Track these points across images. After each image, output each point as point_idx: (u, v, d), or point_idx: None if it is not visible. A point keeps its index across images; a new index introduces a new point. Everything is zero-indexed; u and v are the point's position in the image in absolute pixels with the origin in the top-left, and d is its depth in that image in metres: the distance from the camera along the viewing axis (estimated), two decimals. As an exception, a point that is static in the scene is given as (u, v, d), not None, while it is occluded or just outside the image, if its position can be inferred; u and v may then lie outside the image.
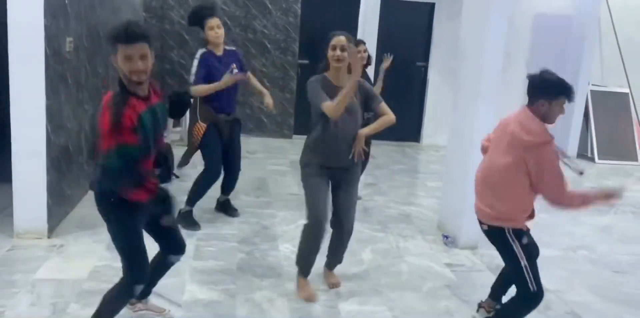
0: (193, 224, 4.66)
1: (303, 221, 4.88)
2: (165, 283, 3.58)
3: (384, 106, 3.64)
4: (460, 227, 4.63)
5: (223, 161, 4.78)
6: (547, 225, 5.42)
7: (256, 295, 3.58)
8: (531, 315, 3.56)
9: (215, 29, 4.53)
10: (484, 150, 3.38)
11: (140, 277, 2.86)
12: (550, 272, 4.29)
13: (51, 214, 4.23)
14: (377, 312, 3.50)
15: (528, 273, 3.06)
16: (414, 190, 6.54)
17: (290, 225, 4.87)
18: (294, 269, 3.98)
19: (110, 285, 3.50)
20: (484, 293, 3.73)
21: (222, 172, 4.82)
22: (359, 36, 8.47)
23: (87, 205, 4.95)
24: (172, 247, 3.08)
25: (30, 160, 4.07)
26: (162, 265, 3.14)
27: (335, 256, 3.86)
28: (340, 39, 3.42)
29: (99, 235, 4.32)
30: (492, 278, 4.03)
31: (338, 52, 3.42)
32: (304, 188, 3.61)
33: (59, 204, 4.44)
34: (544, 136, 2.98)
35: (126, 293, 2.89)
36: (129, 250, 2.83)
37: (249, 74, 4.89)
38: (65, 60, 4.46)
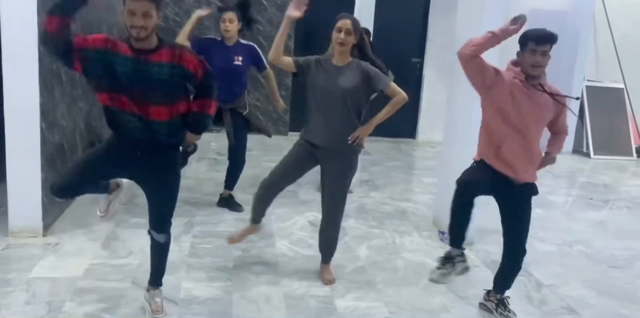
0: (236, 206, 5.07)
1: (299, 217, 4.95)
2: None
3: (392, 87, 3.61)
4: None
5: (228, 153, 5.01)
6: (542, 220, 5.44)
7: (252, 292, 3.58)
8: (526, 310, 3.59)
9: (226, 22, 4.73)
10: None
11: (56, 183, 3.00)
12: (545, 267, 4.31)
13: (46, 212, 4.22)
14: (373, 308, 3.50)
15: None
16: (409, 187, 6.54)
17: (286, 222, 4.86)
18: (290, 266, 4.00)
19: (106, 283, 3.53)
20: (479, 289, 3.74)
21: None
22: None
23: (83, 203, 4.94)
24: (150, 220, 3.14)
25: (25, 159, 4.05)
26: (151, 244, 3.23)
27: (322, 247, 3.85)
28: (345, 22, 3.46)
29: (94, 233, 4.32)
30: (488, 274, 4.05)
31: (342, 35, 3.43)
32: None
33: (54, 202, 4.41)
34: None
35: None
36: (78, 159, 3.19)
37: (269, 70, 4.99)
38: (59, 57, 4.44)
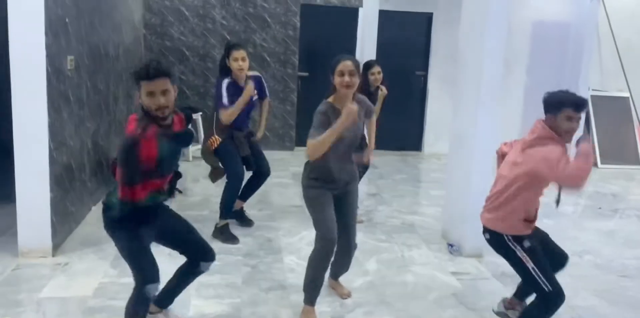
0: (232, 238, 4.75)
1: (306, 233, 4.95)
2: (170, 299, 3.60)
3: (373, 119, 4.28)
4: (465, 235, 4.63)
5: (253, 166, 5.03)
6: (551, 230, 5.37)
7: (262, 309, 3.58)
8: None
9: (239, 61, 4.63)
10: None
11: (147, 275, 2.88)
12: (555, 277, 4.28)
13: (55, 232, 4.24)
14: (383, 323, 3.49)
15: (538, 275, 3.08)
16: (417, 199, 6.54)
17: (294, 237, 4.87)
18: (299, 282, 3.98)
19: (115, 302, 3.54)
20: (490, 301, 3.73)
21: (244, 175, 4.95)
22: (358, 47, 8.55)
23: (92, 222, 4.97)
24: (201, 254, 3.14)
25: (34, 179, 4.08)
26: (190, 273, 3.22)
27: (342, 267, 3.81)
28: (347, 63, 3.26)
29: (103, 251, 4.33)
30: (498, 286, 4.05)
31: (347, 78, 3.25)
32: (309, 209, 3.48)
33: (63, 222, 4.45)
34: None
35: (141, 297, 2.87)
36: (132, 252, 2.90)
37: (267, 101, 5.11)
38: (66, 78, 4.50)
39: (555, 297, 3.09)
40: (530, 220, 3.20)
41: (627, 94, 9.15)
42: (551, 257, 3.31)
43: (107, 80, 5.82)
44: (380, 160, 8.24)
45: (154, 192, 2.84)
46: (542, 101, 3.19)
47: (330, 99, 3.36)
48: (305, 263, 4.30)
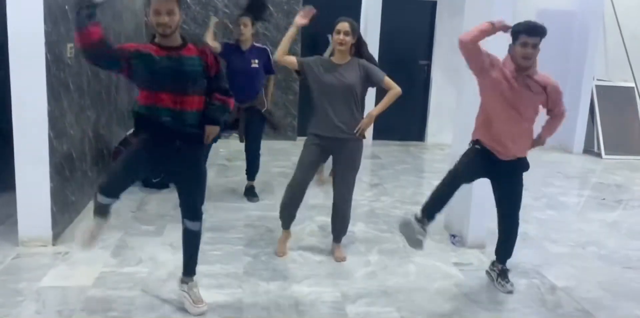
0: (252, 196, 5.53)
1: (308, 222, 4.93)
2: (170, 289, 3.58)
3: (388, 81, 4.08)
4: (468, 226, 4.60)
5: (245, 146, 5.53)
6: (555, 222, 5.39)
7: (263, 299, 3.56)
8: (541, 313, 3.55)
9: (240, 26, 5.21)
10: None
11: (104, 185, 3.29)
12: (559, 269, 4.26)
13: (55, 221, 4.22)
14: (385, 313, 3.47)
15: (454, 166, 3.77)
16: (419, 190, 6.49)
17: (295, 227, 4.82)
18: (301, 272, 3.98)
19: (116, 291, 3.52)
20: (492, 293, 3.71)
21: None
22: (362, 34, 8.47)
23: (92, 212, 4.95)
24: (186, 211, 3.33)
25: (34, 168, 4.05)
26: (183, 233, 3.40)
27: (337, 227, 4.25)
28: (344, 24, 3.94)
29: (104, 241, 4.30)
30: (500, 277, 4.02)
31: (341, 35, 3.93)
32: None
33: (63, 211, 4.42)
34: None
35: (94, 196, 3.35)
36: (116, 162, 3.38)
37: (272, 77, 5.59)
38: (66, 66, 4.45)
39: (448, 174, 3.74)
40: (491, 132, 3.60)
41: (632, 84, 9.08)
42: (500, 208, 3.77)
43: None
44: (383, 151, 8.21)
45: (153, 103, 3.07)
46: None
47: (332, 57, 4.06)
48: (306, 253, 4.32)
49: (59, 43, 4.27)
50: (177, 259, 4.02)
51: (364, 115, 4.08)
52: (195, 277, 3.46)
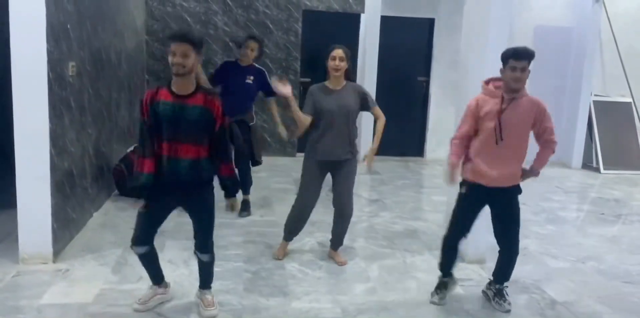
0: (243, 211, 5.59)
1: (308, 239, 4.93)
2: (171, 306, 3.59)
3: (377, 109, 4.32)
4: (467, 241, 4.58)
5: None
6: (554, 236, 5.39)
7: (262, 315, 3.56)
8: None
9: (248, 49, 5.51)
10: None
11: (133, 237, 3.44)
12: (559, 283, 4.26)
13: (56, 238, 4.23)
14: (385, 329, 3.47)
15: (451, 217, 3.85)
16: (419, 205, 6.51)
17: (295, 244, 4.83)
18: (300, 288, 3.97)
19: (116, 309, 3.52)
20: (492, 309, 3.70)
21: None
22: (360, 53, 8.56)
23: (92, 229, 4.97)
24: (197, 243, 3.52)
25: (35, 185, 4.07)
26: (197, 260, 3.61)
27: (337, 237, 4.49)
28: (338, 51, 4.13)
29: (104, 258, 4.32)
30: (500, 292, 4.02)
31: (337, 62, 4.13)
32: (301, 176, 4.37)
33: (64, 228, 4.43)
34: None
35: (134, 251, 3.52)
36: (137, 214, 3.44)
37: (273, 100, 5.68)
38: (68, 84, 4.49)
39: (446, 237, 3.89)
40: (476, 168, 3.63)
41: (629, 99, 9.13)
42: (498, 235, 3.80)
43: (109, 87, 5.82)
44: (382, 166, 8.23)
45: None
46: None
47: (326, 82, 4.26)
48: (306, 270, 4.32)
49: (61, 61, 4.32)
50: (176, 276, 4.04)
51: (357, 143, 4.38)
52: (211, 290, 3.66)
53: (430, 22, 8.95)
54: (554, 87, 8.99)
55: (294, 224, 4.48)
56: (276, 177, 7.17)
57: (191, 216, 3.46)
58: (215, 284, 3.93)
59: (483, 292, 3.97)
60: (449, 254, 3.89)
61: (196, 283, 3.68)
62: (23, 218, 4.10)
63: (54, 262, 4.18)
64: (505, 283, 3.86)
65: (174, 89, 3.22)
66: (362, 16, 8.59)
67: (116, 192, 5.93)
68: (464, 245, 4.61)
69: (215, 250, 4.57)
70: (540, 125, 3.60)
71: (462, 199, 3.77)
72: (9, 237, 4.47)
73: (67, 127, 4.51)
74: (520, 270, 4.29)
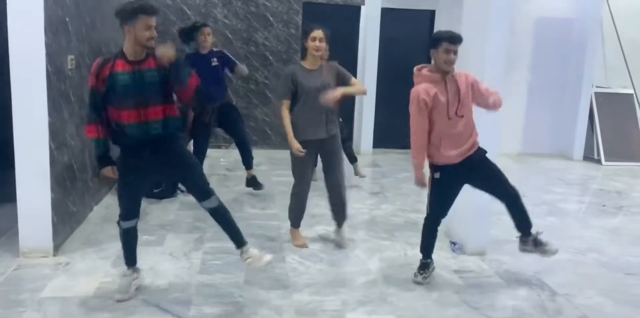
0: (258, 184, 6.10)
1: (309, 231, 4.93)
2: (171, 298, 3.59)
3: (355, 80, 4.43)
4: (468, 233, 4.60)
5: (233, 139, 6.16)
6: (555, 228, 5.39)
7: (264, 308, 3.56)
8: (542, 320, 3.55)
9: (204, 35, 5.76)
10: None
11: (122, 212, 3.53)
12: (560, 275, 4.25)
13: (57, 232, 4.23)
14: (386, 322, 3.47)
15: (429, 200, 3.97)
16: (420, 198, 6.47)
17: (296, 236, 4.84)
18: (301, 280, 3.97)
19: (116, 302, 3.52)
20: (493, 300, 3.71)
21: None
22: (361, 45, 8.54)
23: (93, 223, 4.97)
24: (197, 195, 3.54)
25: (35, 179, 4.07)
26: (211, 215, 3.60)
27: (339, 213, 4.60)
28: (319, 32, 4.24)
29: (104, 251, 4.32)
30: (501, 284, 4.02)
31: (317, 42, 4.23)
32: (290, 161, 4.44)
33: (64, 222, 4.43)
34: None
35: (120, 229, 3.60)
36: (118, 187, 3.56)
37: (241, 68, 5.98)
38: (67, 77, 4.48)
39: (426, 218, 4.00)
40: (443, 155, 3.80)
41: (631, 91, 9.10)
42: (494, 194, 3.93)
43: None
44: (383, 159, 8.22)
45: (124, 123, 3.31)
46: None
47: (302, 62, 4.40)
48: (307, 262, 4.32)
49: (59, 54, 4.30)
50: (177, 268, 4.04)
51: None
52: (247, 245, 3.66)
53: (431, 14, 8.91)
54: (555, 79, 8.96)
55: (298, 209, 4.61)
56: (277, 170, 7.16)
57: (174, 174, 3.56)
58: (215, 277, 3.95)
59: (523, 250, 4.03)
60: (430, 236, 4.03)
61: (197, 276, 3.69)
62: (23, 212, 4.10)
63: (54, 255, 4.18)
64: (534, 230, 3.95)
65: (129, 57, 3.29)
66: (363, 8, 8.55)
67: (116, 185, 5.92)
68: (465, 238, 4.65)
69: (216, 243, 4.62)
70: (478, 90, 3.82)
71: (437, 184, 3.89)
72: (9, 231, 4.48)
73: (67, 120, 4.50)
74: (521, 262, 4.29)
